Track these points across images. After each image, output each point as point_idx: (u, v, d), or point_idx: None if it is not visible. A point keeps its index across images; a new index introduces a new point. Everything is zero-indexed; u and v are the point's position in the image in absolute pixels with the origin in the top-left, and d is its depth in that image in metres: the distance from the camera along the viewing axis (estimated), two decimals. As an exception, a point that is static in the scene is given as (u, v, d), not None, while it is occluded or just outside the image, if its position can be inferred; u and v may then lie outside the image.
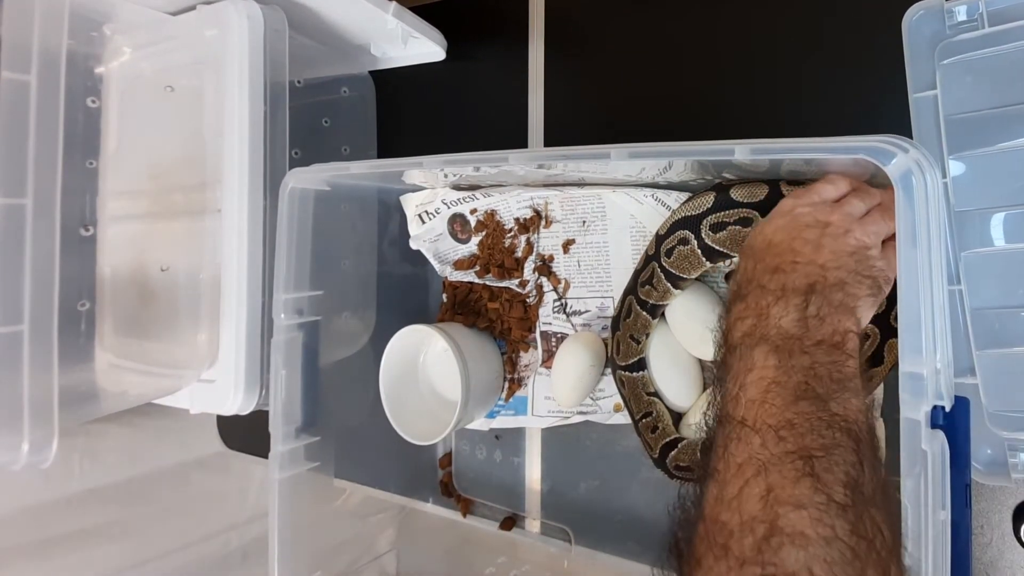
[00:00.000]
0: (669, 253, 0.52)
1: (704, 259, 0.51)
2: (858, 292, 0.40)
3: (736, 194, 0.50)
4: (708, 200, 0.51)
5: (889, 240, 0.43)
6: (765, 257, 0.42)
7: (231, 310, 0.60)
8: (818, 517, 0.30)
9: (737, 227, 0.49)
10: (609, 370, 0.61)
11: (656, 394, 0.58)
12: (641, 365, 0.58)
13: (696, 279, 0.55)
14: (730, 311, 0.42)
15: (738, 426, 0.35)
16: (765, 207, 0.47)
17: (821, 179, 0.45)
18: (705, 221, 0.51)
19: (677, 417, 0.58)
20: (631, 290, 0.57)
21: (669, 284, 0.54)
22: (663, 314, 0.57)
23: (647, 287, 0.55)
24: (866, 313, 0.41)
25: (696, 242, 0.51)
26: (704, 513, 0.33)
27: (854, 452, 0.32)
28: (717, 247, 0.51)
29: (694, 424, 0.56)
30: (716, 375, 0.41)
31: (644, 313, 0.56)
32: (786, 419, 0.34)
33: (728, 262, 0.56)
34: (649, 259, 0.55)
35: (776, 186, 0.49)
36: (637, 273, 0.57)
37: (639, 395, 0.58)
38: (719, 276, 0.59)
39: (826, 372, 0.35)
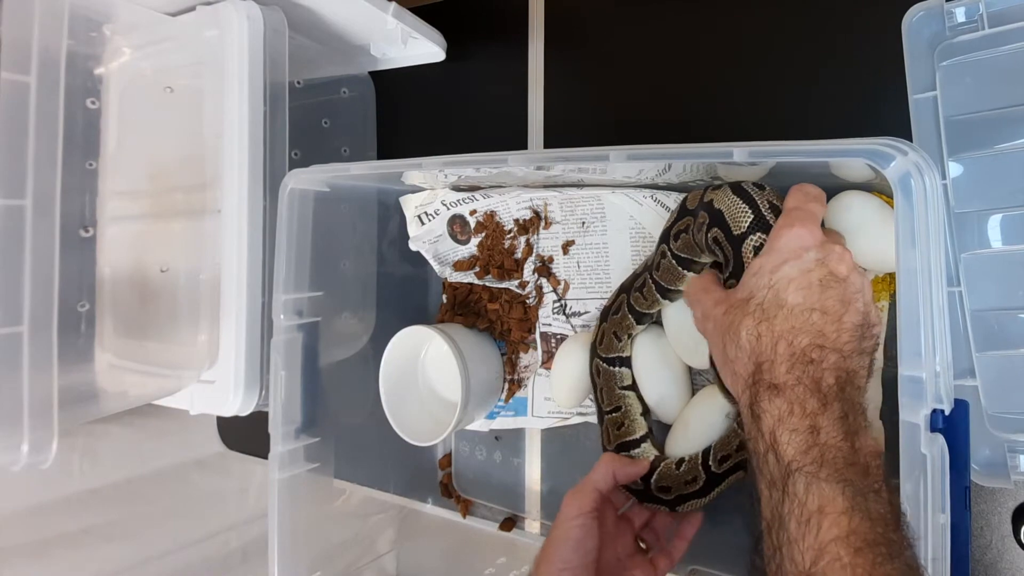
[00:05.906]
0: (658, 267, 0.53)
1: (680, 268, 0.51)
2: (860, 382, 0.36)
3: (687, 201, 0.50)
4: (675, 211, 0.52)
5: None
6: (785, 331, 0.36)
7: (231, 311, 0.60)
8: None
9: (686, 235, 0.50)
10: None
11: (631, 387, 0.58)
12: (622, 362, 0.58)
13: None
14: (763, 400, 0.35)
15: None
16: (695, 215, 0.48)
17: (798, 193, 0.41)
18: (671, 231, 0.51)
19: (660, 424, 0.58)
20: (626, 288, 0.57)
21: (659, 295, 0.54)
22: (657, 320, 0.57)
23: (638, 294, 0.55)
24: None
25: (670, 254, 0.51)
26: None
27: None
28: (683, 255, 0.50)
29: (682, 450, 0.54)
30: (770, 506, 0.35)
31: (630, 316, 0.56)
32: None
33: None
34: (647, 267, 0.55)
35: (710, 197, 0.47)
36: (636, 276, 0.57)
37: (612, 388, 0.58)
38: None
39: (891, 515, 0.32)
